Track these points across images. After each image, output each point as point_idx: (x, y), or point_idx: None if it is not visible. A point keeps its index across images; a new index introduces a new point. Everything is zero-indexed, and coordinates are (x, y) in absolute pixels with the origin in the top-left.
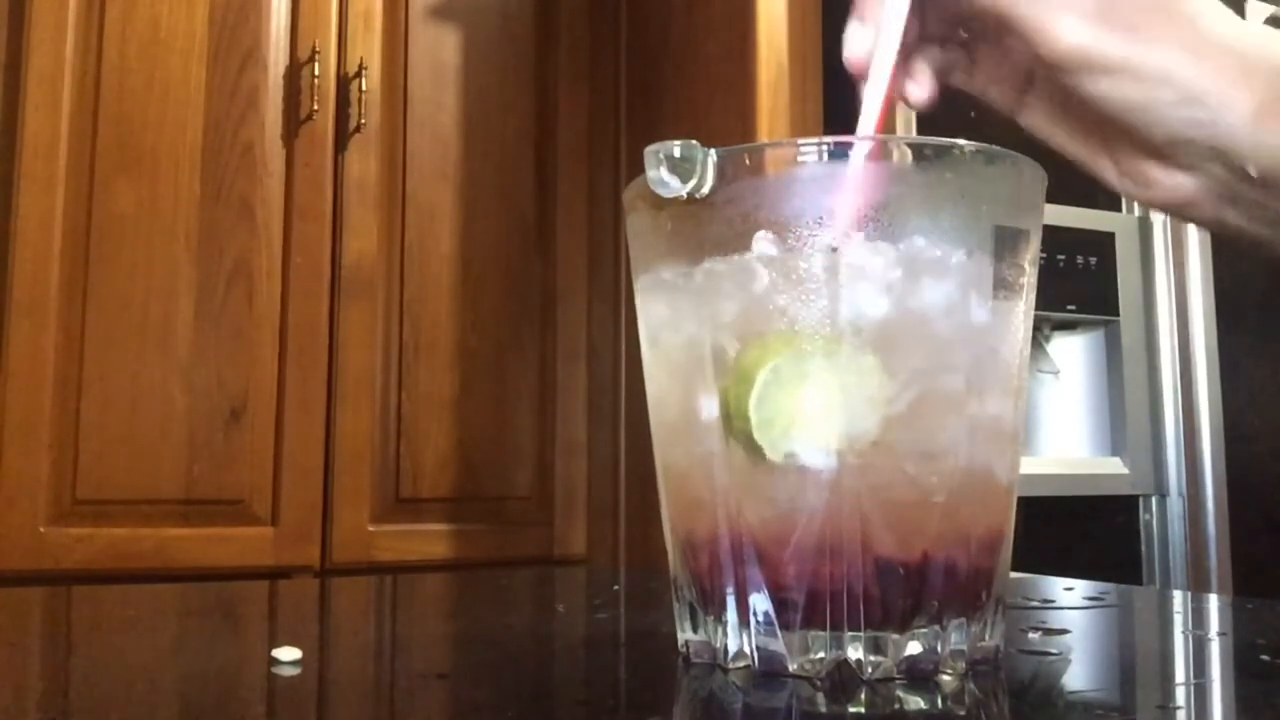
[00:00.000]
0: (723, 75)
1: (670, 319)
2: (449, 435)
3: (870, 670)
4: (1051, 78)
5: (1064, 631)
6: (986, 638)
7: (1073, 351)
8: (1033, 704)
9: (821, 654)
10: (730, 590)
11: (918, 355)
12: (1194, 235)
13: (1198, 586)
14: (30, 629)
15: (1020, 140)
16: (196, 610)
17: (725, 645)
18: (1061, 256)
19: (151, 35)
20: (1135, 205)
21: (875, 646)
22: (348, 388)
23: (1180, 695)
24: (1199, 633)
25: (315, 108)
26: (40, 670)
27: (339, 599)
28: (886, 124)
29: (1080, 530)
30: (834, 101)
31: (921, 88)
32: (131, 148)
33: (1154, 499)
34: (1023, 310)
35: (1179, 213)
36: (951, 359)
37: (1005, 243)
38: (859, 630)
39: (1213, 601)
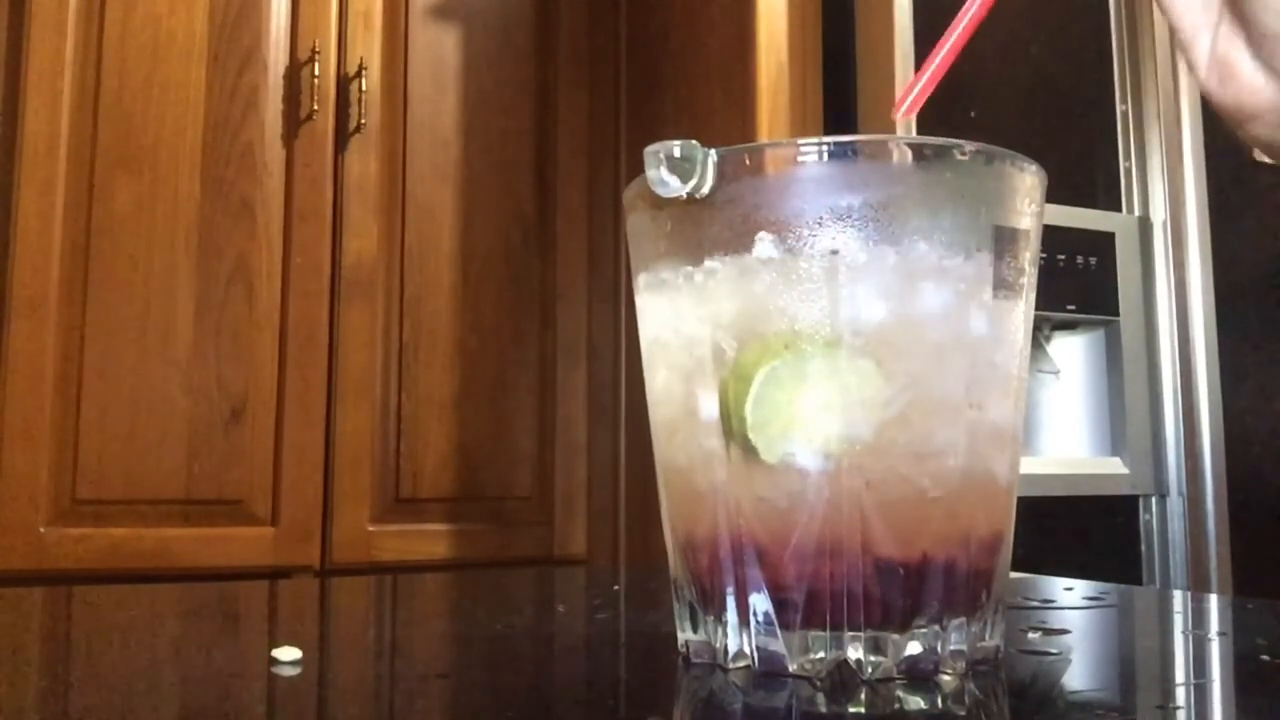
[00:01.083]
0: (723, 75)
1: (670, 319)
2: (449, 435)
3: (870, 670)
4: None
5: (1064, 631)
6: (986, 638)
7: (1073, 351)
8: (1033, 704)
9: (821, 654)
10: (730, 590)
11: (916, 359)
12: (1194, 235)
13: (1198, 586)
14: (30, 629)
15: (1020, 140)
16: (196, 610)
17: (725, 645)
18: (1061, 256)
19: (151, 35)
20: (1135, 205)
21: (875, 646)
22: (348, 388)
23: (1180, 695)
24: (1199, 633)
25: (315, 108)
26: (40, 670)
27: (339, 599)
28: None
29: (1080, 530)
30: (834, 101)
31: None
32: (131, 148)
33: (1154, 499)
34: (1023, 310)
35: (1243, 124)
36: (950, 362)
37: (1005, 243)
38: (859, 630)
39: (1213, 601)
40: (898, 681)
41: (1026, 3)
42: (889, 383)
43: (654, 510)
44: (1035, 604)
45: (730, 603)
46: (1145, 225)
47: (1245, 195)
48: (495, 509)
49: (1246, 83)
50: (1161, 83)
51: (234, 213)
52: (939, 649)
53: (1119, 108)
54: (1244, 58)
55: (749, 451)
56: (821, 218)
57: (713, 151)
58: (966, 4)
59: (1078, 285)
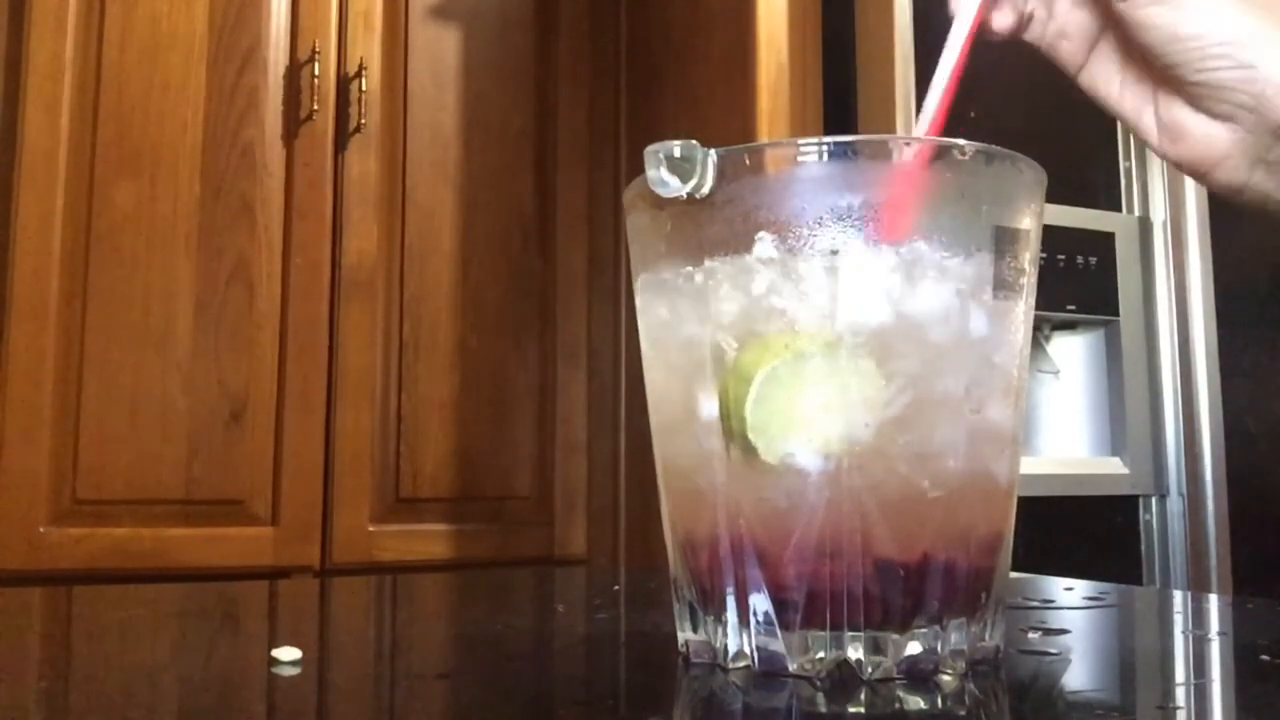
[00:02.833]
0: (723, 75)
1: (670, 319)
2: (449, 435)
3: (870, 670)
4: (1113, 17)
5: (1064, 631)
6: (986, 638)
7: (1073, 351)
8: (1033, 704)
9: (821, 654)
10: (730, 590)
11: (916, 359)
12: (1194, 235)
13: (1198, 586)
14: (30, 629)
15: (1020, 140)
16: (196, 610)
17: (725, 645)
18: (1061, 256)
19: (151, 35)
20: (1135, 205)
21: (875, 646)
22: (348, 388)
23: (1180, 695)
24: (1199, 633)
25: (315, 108)
26: (40, 670)
27: (339, 599)
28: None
29: (1080, 530)
30: (834, 101)
31: (1006, 17)
32: (131, 148)
33: (1154, 499)
34: (1023, 310)
35: (1207, 174)
36: (950, 362)
37: (1005, 243)
38: (859, 630)
39: (1213, 601)
40: (898, 681)
41: None
42: (889, 383)
43: (654, 510)
44: (1035, 604)
45: (730, 603)
46: (1145, 225)
47: None
48: (495, 509)
49: (1200, 137)
50: None
51: (234, 213)
52: (939, 649)
53: None
54: (1188, 114)
55: (749, 452)
56: (821, 218)
57: (713, 151)
58: (952, 41)
59: (1078, 285)
